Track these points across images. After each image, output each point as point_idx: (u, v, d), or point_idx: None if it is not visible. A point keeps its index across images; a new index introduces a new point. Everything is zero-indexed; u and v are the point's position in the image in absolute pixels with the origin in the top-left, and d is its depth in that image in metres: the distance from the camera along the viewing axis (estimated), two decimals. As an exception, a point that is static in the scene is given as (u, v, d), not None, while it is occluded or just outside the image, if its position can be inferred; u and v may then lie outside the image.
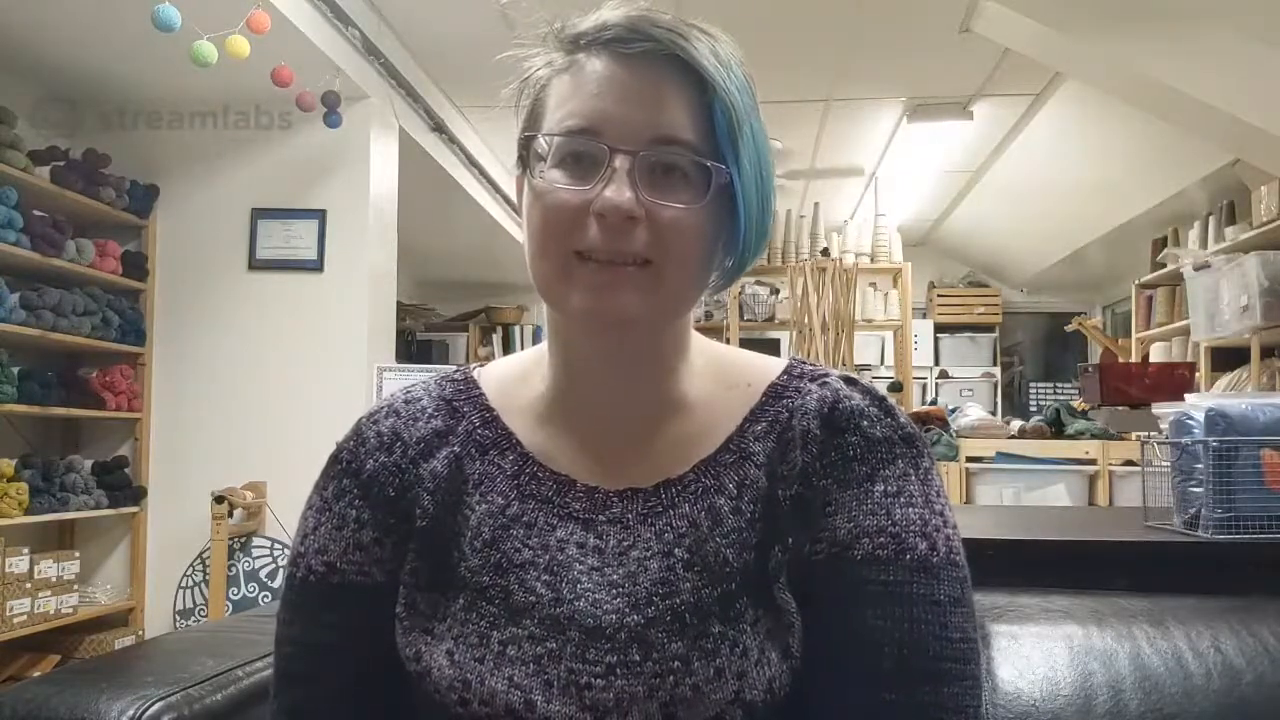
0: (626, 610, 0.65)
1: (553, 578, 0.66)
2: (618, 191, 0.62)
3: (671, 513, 0.68)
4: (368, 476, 0.72)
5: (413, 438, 0.73)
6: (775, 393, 0.72)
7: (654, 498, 0.69)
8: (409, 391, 0.77)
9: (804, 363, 0.75)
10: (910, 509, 0.66)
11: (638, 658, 0.63)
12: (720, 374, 0.74)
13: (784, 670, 0.65)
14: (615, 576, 0.66)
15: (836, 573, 0.65)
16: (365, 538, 0.71)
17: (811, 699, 0.66)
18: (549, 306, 0.69)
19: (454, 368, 0.81)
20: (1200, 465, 1.32)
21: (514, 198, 0.73)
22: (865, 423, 0.69)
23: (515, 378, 0.76)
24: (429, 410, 0.74)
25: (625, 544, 0.67)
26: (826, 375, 0.72)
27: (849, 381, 0.72)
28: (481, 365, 0.80)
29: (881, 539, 0.65)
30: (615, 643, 0.64)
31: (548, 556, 0.67)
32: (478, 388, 0.76)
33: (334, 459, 0.74)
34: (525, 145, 0.68)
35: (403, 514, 0.71)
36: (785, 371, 0.74)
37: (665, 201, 0.63)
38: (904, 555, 0.65)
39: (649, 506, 0.69)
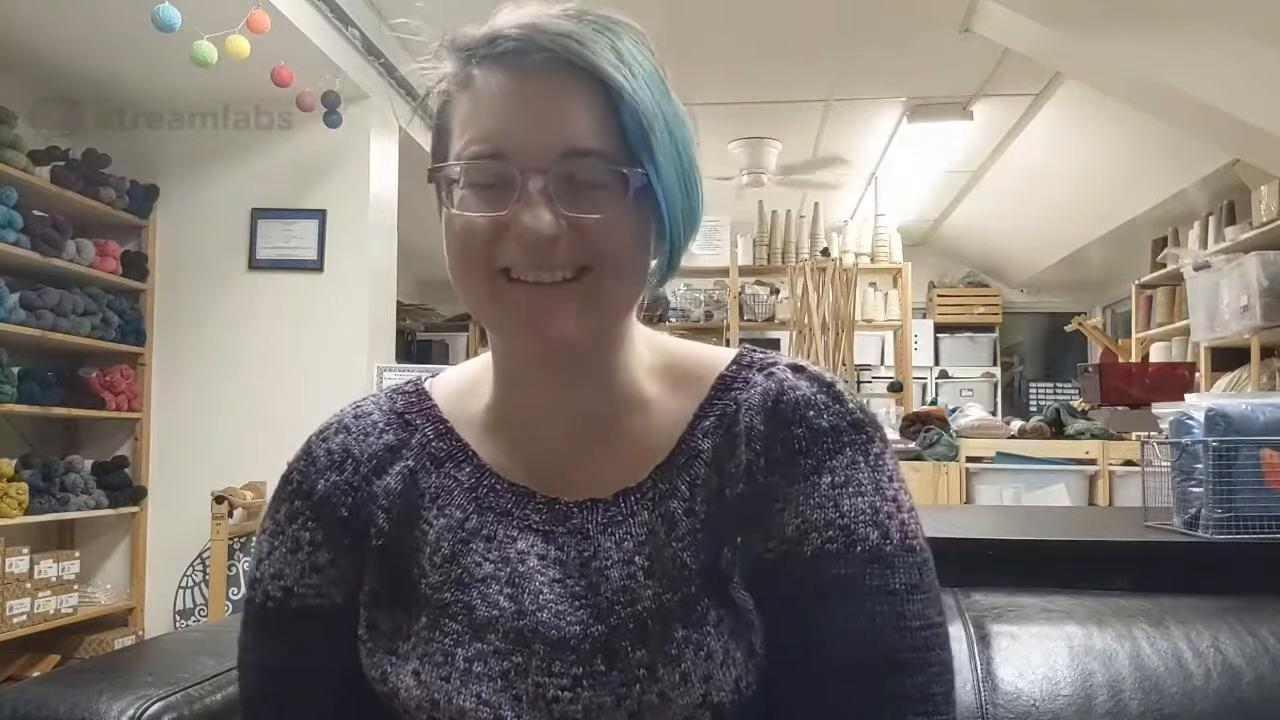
0: (590, 621, 0.64)
1: (515, 590, 0.65)
2: (535, 216, 0.61)
3: (631, 521, 0.67)
4: (319, 498, 0.70)
5: (364, 454, 0.71)
6: (723, 385, 0.70)
7: (614, 507, 0.68)
8: (359, 406, 0.75)
9: (754, 351, 0.73)
10: (859, 498, 0.64)
11: (603, 668, 0.63)
12: (669, 369, 0.72)
13: (749, 669, 0.64)
14: (577, 588, 0.65)
15: (789, 571, 0.64)
16: (320, 559, 0.69)
17: (777, 697, 0.65)
18: (486, 327, 0.68)
19: (408, 379, 0.78)
20: (1200, 465, 1.32)
21: None
22: (811, 413, 0.67)
23: (465, 388, 0.75)
24: (380, 425, 0.73)
25: (586, 554, 0.66)
26: (774, 365, 0.70)
27: (796, 369, 0.70)
28: (433, 377, 0.78)
29: (830, 532, 0.64)
30: (580, 654, 0.63)
31: (509, 569, 0.66)
32: (430, 399, 0.74)
33: (285, 480, 0.73)
34: (435, 175, 0.66)
35: (357, 533, 0.69)
36: (734, 361, 0.72)
37: (584, 213, 0.61)
38: (854, 547, 0.63)
39: (608, 516, 0.67)
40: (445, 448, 0.71)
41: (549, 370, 0.69)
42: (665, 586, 0.64)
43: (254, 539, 0.73)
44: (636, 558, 0.66)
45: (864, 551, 0.63)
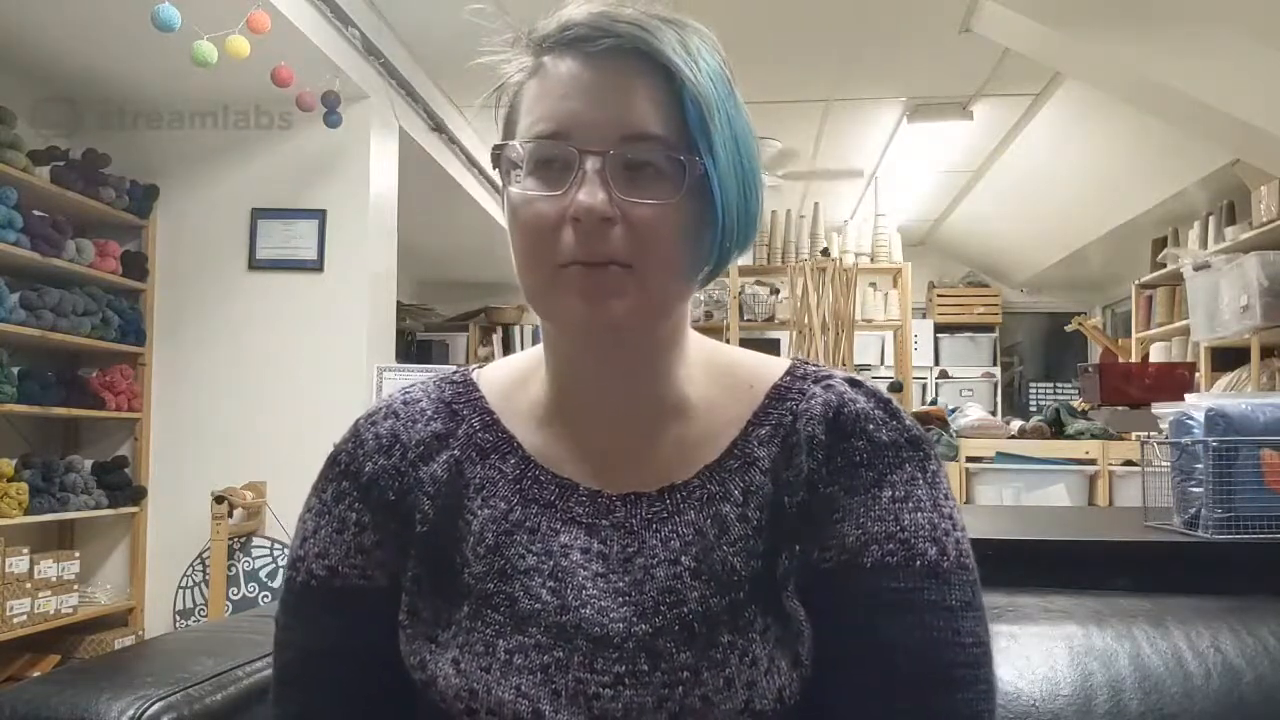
0: (634, 619, 0.64)
1: (557, 584, 0.65)
2: (590, 194, 0.61)
3: (677, 519, 0.67)
4: (367, 479, 0.71)
5: (412, 440, 0.71)
6: (778, 395, 0.71)
7: (658, 503, 0.68)
8: (408, 393, 0.75)
9: (806, 363, 0.73)
10: (919, 514, 0.65)
11: (646, 668, 0.63)
12: (721, 375, 0.73)
13: (794, 679, 0.64)
14: (621, 584, 0.65)
15: (846, 581, 0.65)
16: (367, 541, 0.70)
17: (822, 707, 0.65)
18: (539, 317, 0.69)
19: (453, 368, 0.79)
20: (1200, 465, 1.32)
21: None
22: (871, 426, 0.67)
23: (515, 380, 0.75)
24: (428, 413, 0.73)
25: (630, 550, 0.67)
26: (830, 377, 0.71)
27: (853, 383, 0.71)
28: (480, 367, 0.78)
29: (890, 545, 0.64)
30: (623, 652, 0.63)
31: (551, 563, 0.66)
32: (477, 390, 0.75)
33: (332, 461, 0.73)
34: (498, 155, 0.67)
35: (403, 518, 0.70)
36: (788, 372, 0.72)
37: (640, 199, 0.62)
38: (913, 561, 0.64)
39: (653, 512, 0.68)
40: (491, 439, 0.72)
41: (600, 363, 0.69)
42: (713, 590, 0.65)
43: (297, 518, 0.74)
44: (683, 558, 0.66)
45: (922, 566, 0.64)
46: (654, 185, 0.63)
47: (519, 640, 0.64)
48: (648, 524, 0.67)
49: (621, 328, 0.64)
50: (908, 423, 0.69)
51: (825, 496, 0.66)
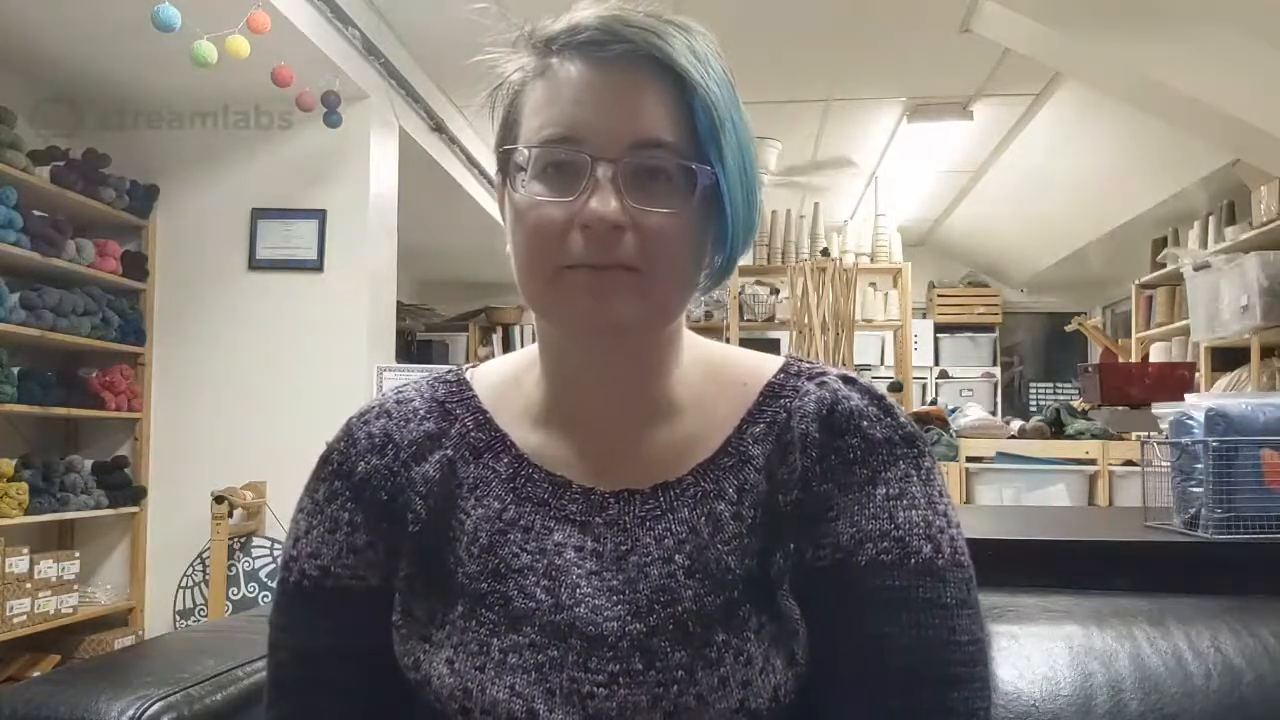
0: (628, 618, 0.64)
1: (552, 583, 0.65)
2: (602, 202, 0.61)
3: (670, 517, 0.67)
4: (359, 479, 0.70)
5: (404, 440, 0.71)
6: (772, 392, 0.71)
7: (651, 500, 0.68)
8: (400, 392, 0.75)
9: (800, 360, 0.73)
10: (913, 511, 0.65)
11: (640, 667, 0.62)
12: (715, 374, 0.73)
13: (789, 677, 0.64)
14: (615, 582, 0.65)
15: (841, 579, 0.64)
16: (359, 541, 0.70)
17: (818, 706, 0.65)
18: (539, 318, 0.68)
19: (448, 368, 0.79)
20: (1200, 465, 1.32)
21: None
22: (865, 424, 0.67)
23: (508, 379, 0.75)
24: (421, 412, 0.73)
25: (623, 548, 0.66)
26: (824, 374, 0.71)
27: (847, 381, 0.70)
28: (474, 366, 0.78)
29: (885, 544, 0.64)
30: (617, 651, 0.63)
31: (545, 561, 0.66)
32: (470, 389, 0.75)
33: (324, 460, 0.73)
34: (504, 158, 0.66)
35: (395, 518, 0.70)
36: (782, 370, 0.72)
37: (651, 207, 0.62)
38: (908, 559, 0.64)
39: (647, 509, 0.67)
40: (484, 438, 0.72)
41: (596, 363, 0.69)
42: (707, 588, 0.64)
43: (290, 519, 0.74)
44: (677, 556, 0.65)
45: (917, 564, 0.64)
46: (665, 193, 0.63)
47: (513, 639, 0.64)
48: (641, 521, 0.67)
49: (625, 329, 0.64)
50: (902, 419, 0.69)
51: (819, 494, 0.66)
